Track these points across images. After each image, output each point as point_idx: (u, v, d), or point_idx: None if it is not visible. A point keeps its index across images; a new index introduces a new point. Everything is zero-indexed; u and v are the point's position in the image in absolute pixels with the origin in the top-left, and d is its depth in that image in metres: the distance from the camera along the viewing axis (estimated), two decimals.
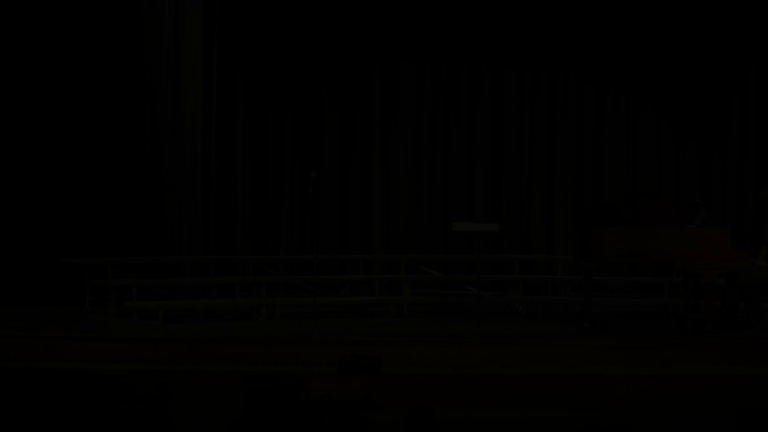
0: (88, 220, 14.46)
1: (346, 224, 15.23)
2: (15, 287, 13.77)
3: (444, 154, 15.30)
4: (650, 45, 14.85)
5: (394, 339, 10.69)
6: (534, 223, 15.17)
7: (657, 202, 11.22)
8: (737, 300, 11.15)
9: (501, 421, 8.45)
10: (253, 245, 14.94)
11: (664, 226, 10.81)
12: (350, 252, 14.93)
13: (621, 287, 14.20)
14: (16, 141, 14.24)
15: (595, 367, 10.00)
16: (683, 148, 14.97)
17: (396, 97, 15.26)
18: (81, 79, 14.49)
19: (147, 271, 13.97)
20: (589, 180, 15.13)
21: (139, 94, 14.74)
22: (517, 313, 13.25)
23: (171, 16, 14.84)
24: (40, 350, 10.57)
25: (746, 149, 14.72)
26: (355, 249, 15.04)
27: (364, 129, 15.26)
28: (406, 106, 15.23)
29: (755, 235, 13.32)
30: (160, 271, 14.14)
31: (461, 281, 14.46)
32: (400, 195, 15.22)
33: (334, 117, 15.24)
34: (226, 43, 15.06)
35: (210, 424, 8.22)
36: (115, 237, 14.54)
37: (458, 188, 15.26)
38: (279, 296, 13.58)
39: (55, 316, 11.56)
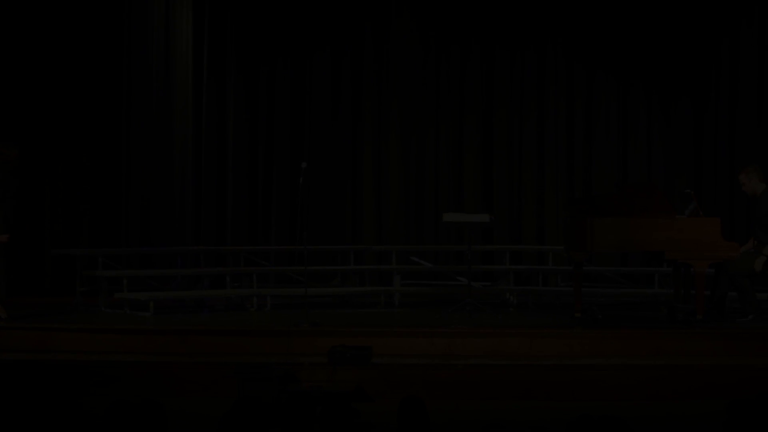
0: (78, 212, 14.46)
1: (337, 215, 15.25)
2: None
3: (434, 144, 15.32)
4: (640, 29, 14.91)
5: (385, 330, 10.68)
6: (525, 213, 15.20)
7: (647, 192, 11.21)
8: (727, 290, 11.17)
9: (492, 412, 8.46)
10: (243, 236, 14.94)
11: (654, 217, 10.80)
12: (341, 242, 14.94)
13: (612, 277, 14.24)
14: (5, 130, 14.21)
15: (586, 357, 10.01)
16: (674, 138, 15.01)
17: (387, 88, 15.28)
18: (72, 73, 14.51)
19: (137, 263, 13.98)
20: (579, 170, 15.17)
21: (129, 83, 14.74)
22: (507, 303, 13.29)
23: (161, 7, 14.85)
24: (31, 342, 10.55)
25: (735, 141, 14.75)
26: (346, 239, 15.06)
27: (355, 119, 15.29)
28: (397, 97, 15.26)
29: (746, 224, 13.37)
30: (151, 262, 14.15)
31: (452, 272, 14.48)
32: (390, 186, 15.24)
33: (325, 109, 15.26)
34: (217, 30, 15.07)
35: (201, 415, 8.21)
36: (106, 228, 14.55)
37: (449, 178, 15.28)
38: (270, 287, 13.58)
39: (45, 307, 11.54)
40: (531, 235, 15.09)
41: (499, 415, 8.19)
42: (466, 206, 14.84)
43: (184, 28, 14.94)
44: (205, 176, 14.96)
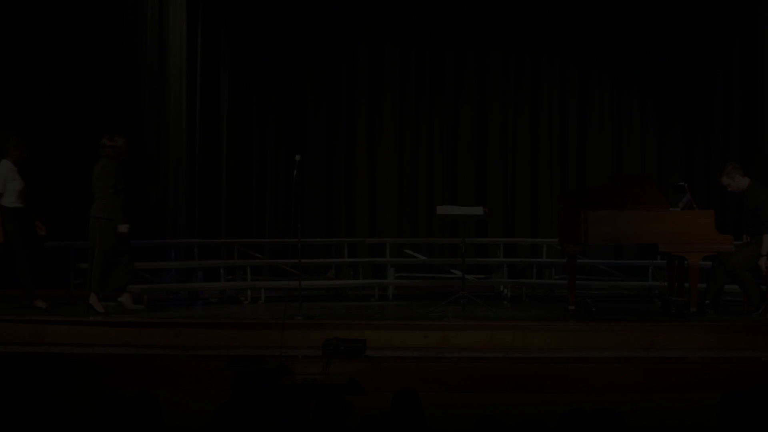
0: (70, 204, 14.45)
1: (331, 207, 15.24)
2: None
3: (428, 136, 15.32)
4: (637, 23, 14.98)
5: (379, 322, 10.68)
6: (518, 206, 15.20)
7: (641, 184, 11.21)
8: (723, 283, 11.17)
9: (486, 404, 8.46)
10: (237, 229, 14.93)
11: (648, 209, 10.81)
12: (335, 235, 14.93)
13: (605, 270, 14.24)
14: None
15: (580, 350, 10.02)
16: (668, 132, 15.04)
17: (381, 81, 15.28)
18: (63, 62, 14.54)
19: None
20: (573, 163, 15.16)
21: (122, 74, 14.75)
22: (501, 296, 13.30)
23: (155, 5, 14.89)
24: (25, 334, 10.55)
25: (731, 134, 14.76)
26: (340, 232, 15.05)
27: (349, 112, 15.28)
28: (391, 90, 15.27)
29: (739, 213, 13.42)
30: (145, 255, 14.12)
31: (446, 264, 14.48)
32: (384, 178, 15.23)
33: (319, 99, 15.26)
34: (210, 25, 15.07)
35: (195, 408, 8.20)
36: None
37: (443, 171, 15.28)
38: (264, 280, 13.56)
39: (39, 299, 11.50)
40: (525, 228, 15.09)
41: (494, 407, 8.18)
42: (460, 199, 14.84)
43: (177, 19, 14.92)
44: (199, 168, 14.94)
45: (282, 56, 15.20)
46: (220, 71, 15.12)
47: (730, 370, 9.34)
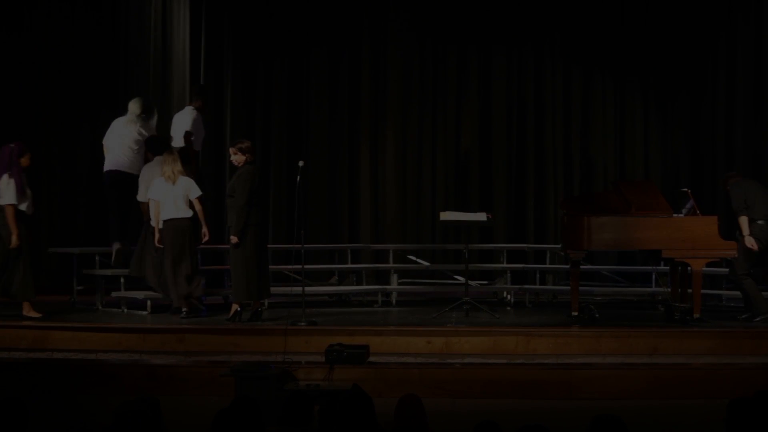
0: (75, 210, 14.46)
1: (335, 213, 15.23)
2: None
3: (432, 142, 15.31)
4: (637, 27, 14.98)
5: (382, 328, 10.69)
6: (522, 212, 15.17)
7: (645, 190, 11.22)
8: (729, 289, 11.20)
9: (489, 410, 8.44)
10: None
11: (651, 215, 10.81)
12: (338, 241, 14.92)
13: (609, 276, 14.23)
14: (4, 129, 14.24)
15: (583, 355, 10.02)
16: (671, 136, 15.01)
17: (384, 87, 15.27)
18: (69, 72, 14.65)
19: None
20: (576, 169, 15.15)
21: (126, 82, 14.76)
22: (505, 302, 13.28)
23: (158, 13, 14.92)
24: (29, 340, 10.55)
25: (734, 137, 14.75)
26: (344, 238, 15.03)
27: (352, 119, 15.28)
28: (394, 95, 15.26)
29: None
30: None
31: (449, 270, 14.46)
32: (388, 184, 15.22)
33: (322, 108, 15.24)
34: (214, 29, 15.10)
35: (198, 413, 8.20)
36: (103, 227, 14.50)
37: (446, 176, 15.26)
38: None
39: (43, 305, 11.51)
40: (528, 234, 15.07)
41: (497, 413, 8.17)
42: (464, 205, 14.82)
43: (181, 27, 14.95)
44: (202, 174, 14.93)
45: (287, 64, 15.18)
46: (223, 78, 15.12)
47: (734, 376, 9.33)
